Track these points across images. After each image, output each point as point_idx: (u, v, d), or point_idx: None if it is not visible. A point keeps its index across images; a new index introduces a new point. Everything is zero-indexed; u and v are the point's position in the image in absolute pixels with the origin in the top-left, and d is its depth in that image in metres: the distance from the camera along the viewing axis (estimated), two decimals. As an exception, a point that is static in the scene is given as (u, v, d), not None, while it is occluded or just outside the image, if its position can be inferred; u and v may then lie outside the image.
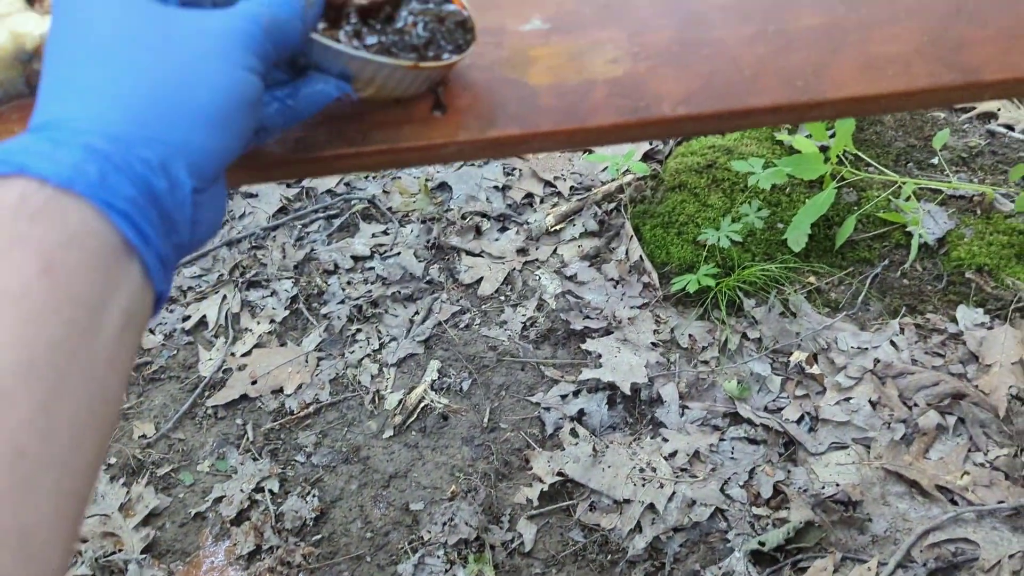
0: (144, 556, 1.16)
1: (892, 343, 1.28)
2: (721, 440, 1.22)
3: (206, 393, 1.35)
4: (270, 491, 1.22)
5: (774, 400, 1.25)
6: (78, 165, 0.31)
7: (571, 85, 0.54)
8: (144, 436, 1.30)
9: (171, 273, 0.36)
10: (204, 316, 1.45)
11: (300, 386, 1.34)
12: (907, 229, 1.38)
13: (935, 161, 1.49)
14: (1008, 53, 0.55)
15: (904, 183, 1.38)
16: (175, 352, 1.41)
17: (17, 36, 0.51)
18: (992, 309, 1.29)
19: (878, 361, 1.26)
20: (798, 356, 1.28)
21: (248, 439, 1.29)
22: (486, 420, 1.28)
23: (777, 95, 0.54)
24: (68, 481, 0.28)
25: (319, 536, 1.18)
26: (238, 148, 0.37)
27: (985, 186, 1.41)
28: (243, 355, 1.39)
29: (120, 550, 1.17)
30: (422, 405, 1.30)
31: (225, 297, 1.47)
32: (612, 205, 1.53)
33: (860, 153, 1.48)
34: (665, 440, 1.22)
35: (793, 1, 0.58)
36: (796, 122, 0.64)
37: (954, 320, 1.29)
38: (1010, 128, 1.54)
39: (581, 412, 1.26)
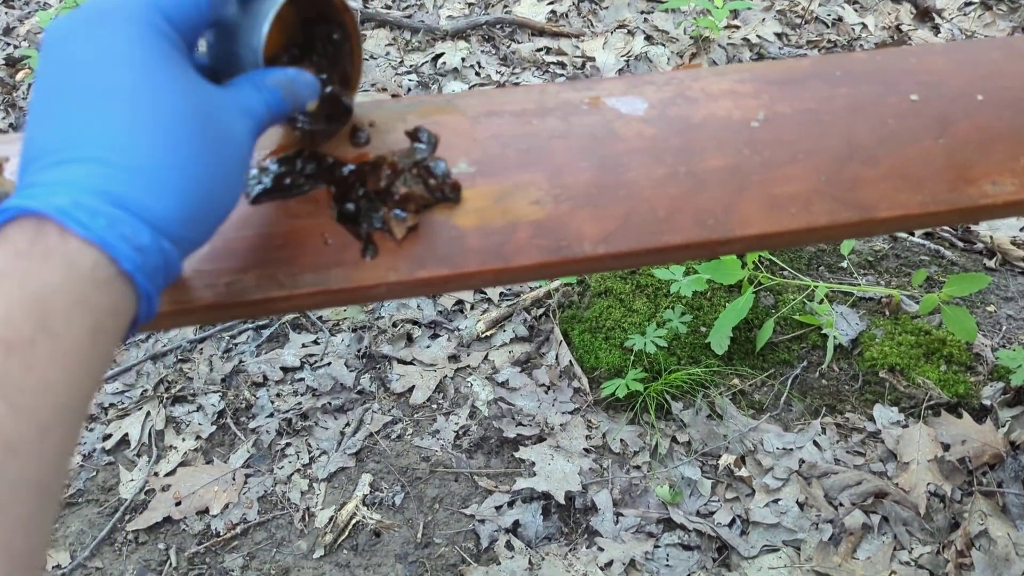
0: None
1: (815, 443, 1.32)
2: (656, 547, 1.22)
3: (127, 517, 1.29)
4: (193, 621, 1.17)
5: (705, 504, 1.27)
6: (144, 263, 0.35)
7: (496, 226, 0.56)
8: (59, 566, 1.23)
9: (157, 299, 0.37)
10: (126, 434, 1.40)
11: (227, 505, 1.30)
12: (823, 331, 1.44)
13: (844, 264, 1.58)
14: (899, 191, 0.60)
15: (816, 287, 1.46)
16: (94, 473, 1.36)
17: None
18: (906, 407, 1.35)
19: (803, 461, 1.30)
20: (727, 459, 1.31)
21: (171, 565, 1.23)
22: (420, 535, 1.25)
23: (689, 234, 0.57)
24: (35, 470, 0.29)
25: (245, 668, 1.13)
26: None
27: (891, 289, 1.50)
28: (167, 474, 1.35)
29: None
30: (353, 521, 1.27)
31: (149, 414, 1.43)
32: (541, 310, 1.56)
33: (774, 258, 1.56)
34: (601, 549, 1.22)
35: (701, 144, 0.62)
36: (708, 257, 0.68)
37: (871, 419, 1.34)
38: (911, 233, 1.64)
39: (516, 523, 1.25)
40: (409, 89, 2.05)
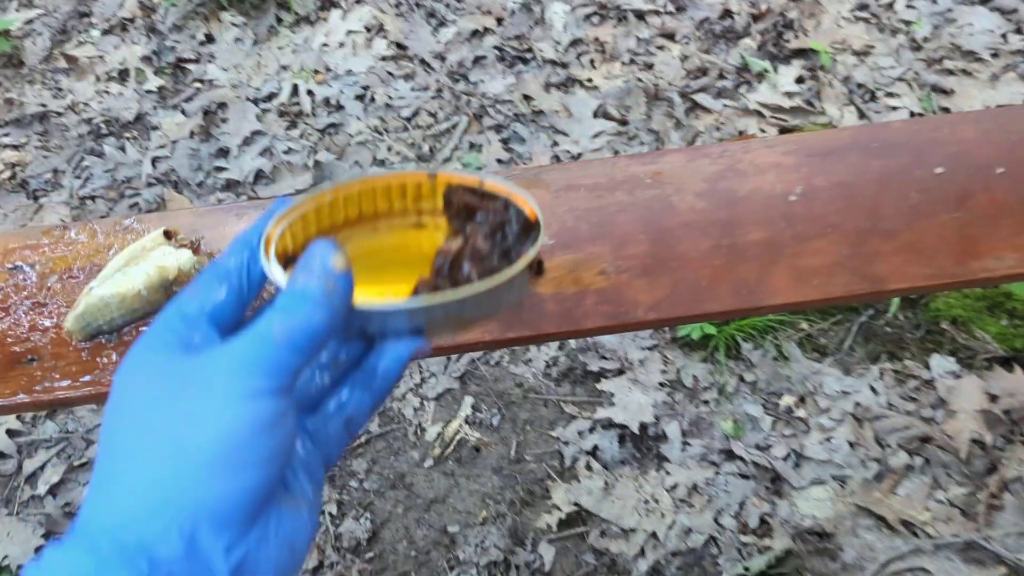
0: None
1: (872, 388, 1.45)
2: (717, 474, 1.40)
3: (272, 423, 1.56)
4: (329, 514, 1.44)
5: (764, 438, 1.43)
6: None
7: (569, 293, 0.72)
8: (221, 462, 1.52)
9: None
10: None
11: (352, 418, 1.55)
12: (892, 279, 1.53)
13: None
14: (908, 264, 0.72)
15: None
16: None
17: (161, 269, 0.69)
18: (963, 359, 1.45)
19: (858, 404, 1.43)
20: (788, 399, 1.46)
21: (309, 466, 1.50)
22: (513, 452, 1.48)
23: (726, 302, 0.71)
24: None
25: (371, 554, 1.40)
26: (268, 475, 0.36)
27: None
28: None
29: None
30: (457, 438, 1.50)
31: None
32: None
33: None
34: (668, 474, 1.41)
35: (744, 217, 0.74)
36: (739, 318, 0.81)
37: (928, 367, 1.46)
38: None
39: (595, 447, 1.45)
40: (513, 12, 2.12)
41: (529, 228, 0.48)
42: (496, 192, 0.49)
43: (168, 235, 0.72)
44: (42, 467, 1.52)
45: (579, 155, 1.87)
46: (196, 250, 0.72)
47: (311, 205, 0.47)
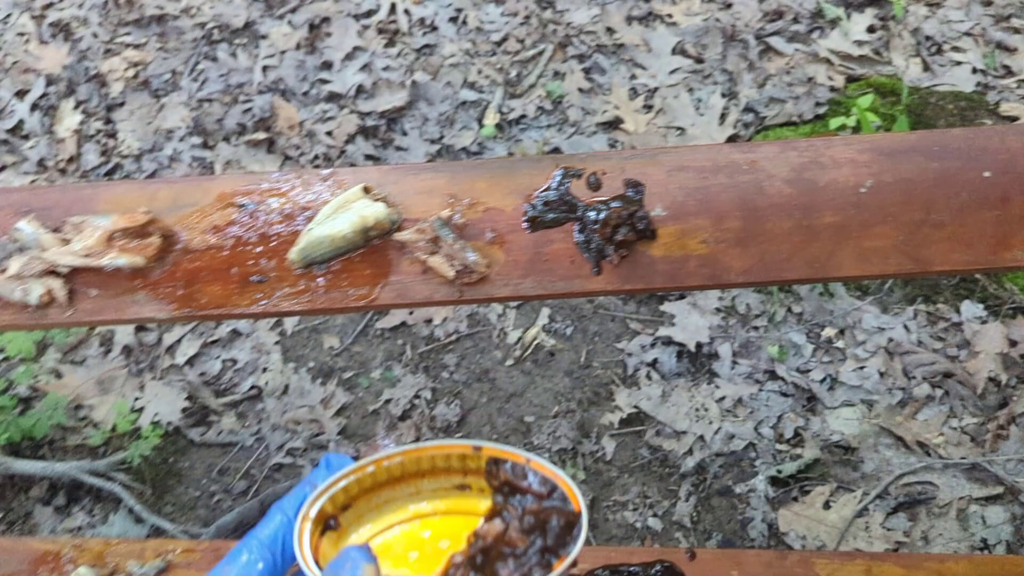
0: (338, 437, 1.66)
1: (905, 326, 1.64)
2: (760, 391, 1.62)
3: (375, 317, 1.80)
4: (424, 399, 1.69)
5: (805, 363, 1.64)
6: None
7: (676, 256, 0.91)
8: (332, 348, 1.77)
9: None
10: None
11: (444, 319, 1.77)
12: (936, 229, 1.69)
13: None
14: (951, 251, 0.90)
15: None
16: (347, 281, 1.86)
17: (363, 218, 0.89)
18: (991, 306, 1.63)
19: (891, 340, 1.63)
20: (829, 331, 1.66)
21: (407, 357, 1.74)
22: (582, 359, 1.70)
23: (801, 272, 0.90)
24: None
25: (460, 434, 1.65)
26: None
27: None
28: (399, 288, 1.83)
29: (322, 433, 1.66)
30: (535, 343, 1.73)
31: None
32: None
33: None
34: (717, 387, 1.63)
35: (821, 203, 0.92)
36: (806, 284, 0.99)
37: (958, 312, 1.64)
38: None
39: (655, 360, 1.67)
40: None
41: (572, 523, 0.46)
42: (543, 472, 0.48)
43: (366, 190, 0.92)
44: (178, 341, 1.78)
45: (655, 89, 2.01)
46: (389, 203, 0.92)
47: (352, 479, 0.49)
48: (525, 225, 0.91)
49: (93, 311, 0.90)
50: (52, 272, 0.89)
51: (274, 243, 0.92)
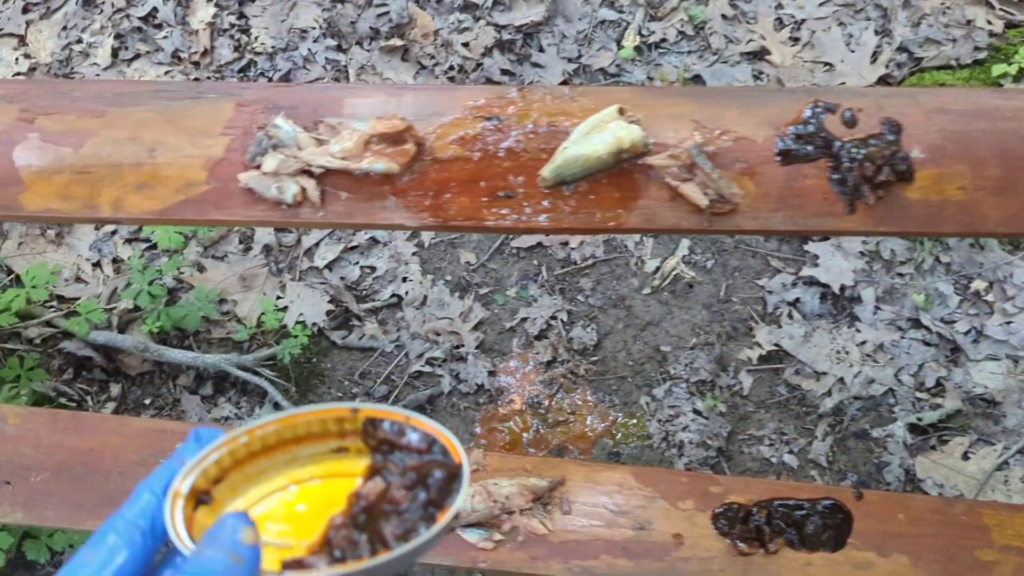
0: (476, 350, 1.68)
1: (1057, 285, 1.62)
2: (902, 338, 1.62)
3: (510, 236, 1.80)
4: (561, 320, 1.70)
5: (950, 314, 1.63)
6: None
7: (933, 201, 0.89)
8: (468, 263, 1.77)
9: None
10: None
11: (581, 242, 1.77)
12: (1097, 188, 1.65)
13: None
14: None
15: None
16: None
17: (619, 139, 0.88)
18: None
19: (1042, 297, 1.61)
20: (978, 283, 1.64)
21: (543, 277, 1.75)
22: (722, 293, 1.70)
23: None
24: None
25: (595, 358, 1.67)
26: None
27: None
28: (534, 208, 1.82)
29: (462, 345, 1.68)
30: (674, 273, 1.72)
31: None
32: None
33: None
34: (859, 331, 1.63)
35: (1086, 157, 0.89)
36: None
37: (1115, 274, 1.61)
38: None
39: (797, 299, 1.67)
40: None
41: (454, 474, 0.45)
42: (422, 428, 0.48)
43: (621, 111, 0.90)
44: (316, 244, 1.80)
45: (803, 21, 1.94)
46: (643, 126, 0.90)
47: (224, 451, 0.47)
48: (778, 158, 0.89)
49: (344, 214, 0.90)
50: (306, 171, 0.89)
51: (523, 159, 0.92)
